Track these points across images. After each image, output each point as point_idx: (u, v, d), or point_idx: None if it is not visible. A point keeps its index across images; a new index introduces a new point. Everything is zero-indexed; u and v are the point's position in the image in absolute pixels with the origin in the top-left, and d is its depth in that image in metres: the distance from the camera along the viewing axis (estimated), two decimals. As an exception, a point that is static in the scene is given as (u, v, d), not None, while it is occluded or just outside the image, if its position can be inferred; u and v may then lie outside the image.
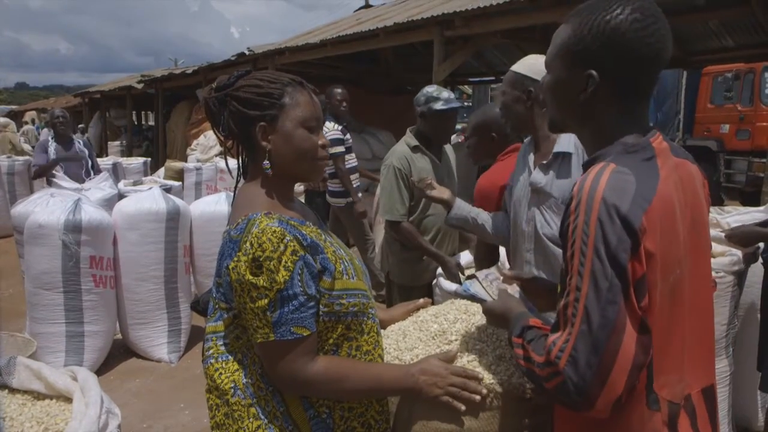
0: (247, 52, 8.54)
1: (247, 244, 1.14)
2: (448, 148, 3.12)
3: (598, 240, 0.94)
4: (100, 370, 3.66)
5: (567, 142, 1.92)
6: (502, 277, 1.46)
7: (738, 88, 10.73)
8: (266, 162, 1.25)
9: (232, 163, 1.41)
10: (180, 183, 6.21)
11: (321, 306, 1.21)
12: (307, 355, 1.19)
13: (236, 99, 1.25)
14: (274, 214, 1.20)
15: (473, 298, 1.43)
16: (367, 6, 11.44)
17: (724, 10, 6.03)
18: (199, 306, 1.50)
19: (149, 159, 9.04)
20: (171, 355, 3.83)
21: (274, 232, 1.15)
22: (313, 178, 1.35)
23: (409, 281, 3.04)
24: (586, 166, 1.09)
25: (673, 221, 1.00)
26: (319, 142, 1.29)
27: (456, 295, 2.71)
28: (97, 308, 3.56)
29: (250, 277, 1.13)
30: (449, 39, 5.96)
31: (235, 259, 1.16)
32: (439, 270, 2.98)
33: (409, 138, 2.95)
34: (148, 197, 3.76)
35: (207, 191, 7.07)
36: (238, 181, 1.37)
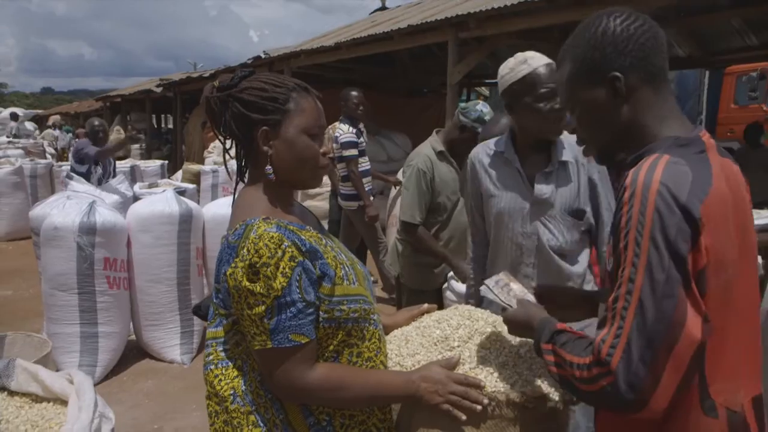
0: (263, 56, 8.58)
1: (244, 250, 1.13)
2: None
3: (655, 230, 0.91)
4: (114, 371, 3.70)
5: (569, 149, 1.89)
6: (511, 282, 1.43)
7: (763, 88, 10.51)
8: (268, 167, 1.24)
9: (230, 165, 1.40)
10: (194, 186, 6.26)
11: (321, 312, 1.19)
12: (306, 363, 1.17)
13: (239, 100, 1.23)
14: (273, 219, 1.19)
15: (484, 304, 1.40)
16: (383, 8, 11.43)
17: (748, 7, 5.90)
18: (200, 311, 1.50)
19: (167, 162, 9.12)
20: (184, 356, 3.85)
21: (272, 237, 1.13)
22: (313, 186, 1.33)
23: (419, 285, 3.02)
24: (632, 163, 1.06)
25: (726, 219, 0.96)
26: (321, 150, 1.28)
27: (469, 298, 2.68)
28: (110, 309, 3.59)
29: (247, 284, 1.12)
30: (463, 40, 5.92)
31: (233, 265, 1.15)
32: (451, 273, 2.96)
33: (435, 142, 2.91)
34: (161, 200, 3.79)
35: (223, 193, 7.12)
36: (237, 185, 1.36)
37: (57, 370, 2.28)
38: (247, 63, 8.77)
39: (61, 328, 3.50)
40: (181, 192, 4.25)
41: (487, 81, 12.26)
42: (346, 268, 1.26)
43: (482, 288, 1.42)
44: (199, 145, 10.78)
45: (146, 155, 14.22)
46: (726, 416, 0.99)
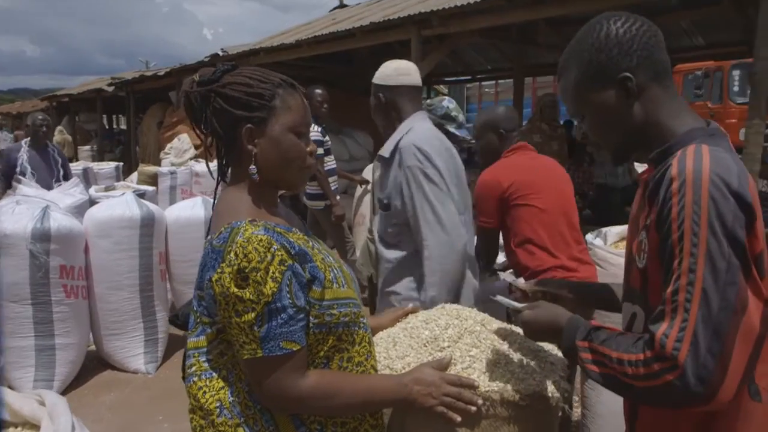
0: (220, 53, 8.39)
1: (231, 254, 1.07)
2: None
3: (713, 218, 0.90)
4: (73, 384, 3.53)
5: (389, 143, 2.06)
6: (510, 284, 1.42)
7: (708, 86, 10.96)
8: (252, 167, 1.17)
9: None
10: (154, 188, 6.05)
11: (311, 318, 1.14)
12: (298, 371, 1.12)
13: (222, 96, 1.16)
14: (259, 221, 1.13)
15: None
16: (342, 6, 11.35)
17: (696, 9, 6.12)
18: (178, 320, 1.42)
19: (121, 164, 8.82)
20: (148, 365, 3.71)
21: (260, 240, 1.07)
22: (298, 187, 1.28)
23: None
24: (659, 158, 1.06)
25: (759, 205, 0.97)
26: (308, 149, 1.22)
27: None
28: (68, 320, 3.42)
29: (236, 290, 1.06)
30: (426, 38, 5.92)
31: (219, 270, 1.08)
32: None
33: None
34: (120, 203, 3.63)
35: (182, 195, 6.92)
36: (218, 185, 1.29)
37: (9, 387, 2.13)
38: (204, 61, 8.57)
39: (14, 341, 3.31)
40: (140, 195, 4.10)
41: (446, 79, 12.34)
42: (335, 271, 1.21)
43: (498, 295, 1.40)
44: (155, 146, 10.46)
45: (98, 157, 13.72)
46: None
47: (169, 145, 9.00)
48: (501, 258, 3.05)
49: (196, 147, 8.89)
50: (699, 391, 0.88)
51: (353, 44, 6.83)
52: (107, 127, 19.17)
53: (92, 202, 4.51)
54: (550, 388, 1.30)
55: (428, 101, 2.92)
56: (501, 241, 2.58)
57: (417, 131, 2.06)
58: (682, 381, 0.89)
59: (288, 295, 1.09)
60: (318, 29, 7.71)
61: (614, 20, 1.09)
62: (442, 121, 2.80)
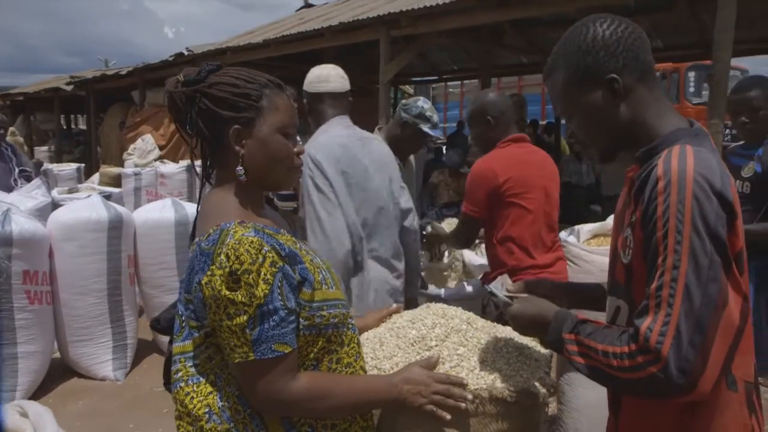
0: (185, 53, 8.24)
1: (222, 256, 1.05)
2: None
3: (696, 216, 0.93)
4: (37, 394, 3.40)
5: None
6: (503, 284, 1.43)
7: (665, 87, 11.30)
8: (240, 168, 1.16)
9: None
10: (120, 189, 5.90)
11: (301, 319, 1.13)
12: (289, 374, 1.11)
13: (208, 96, 1.14)
14: (249, 223, 1.11)
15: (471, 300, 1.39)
16: (308, 6, 11.28)
17: (654, 13, 6.31)
18: (159, 324, 1.38)
19: (83, 165, 8.57)
20: (117, 372, 3.61)
21: (252, 242, 1.06)
22: (286, 187, 1.27)
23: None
24: (644, 157, 1.09)
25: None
26: (295, 149, 1.21)
27: (421, 295, 2.69)
28: (32, 327, 3.30)
29: (227, 293, 1.04)
30: (394, 39, 5.94)
31: (209, 273, 1.06)
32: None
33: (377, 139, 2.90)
34: (86, 205, 3.52)
35: (147, 197, 6.76)
36: (203, 187, 1.27)
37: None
38: (168, 60, 8.40)
39: (-26, 350, 3.18)
40: (106, 197, 3.98)
41: (413, 79, 12.40)
42: (323, 272, 1.21)
43: (491, 285, 1.41)
44: (117, 147, 10.19)
45: (55, 158, 13.27)
46: (744, 388, 1.05)
47: (132, 146, 8.80)
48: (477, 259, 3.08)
49: (161, 148, 8.71)
50: (681, 383, 0.92)
51: (322, 44, 6.81)
52: (65, 127, 18.57)
53: (55, 204, 4.36)
54: (537, 384, 1.32)
55: (403, 101, 2.92)
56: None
57: (320, 138, 2.16)
58: (665, 373, 0.92)
59: (279, 297, 1.08)
60: (285, 29, 7.64)
61: (600, 23, 1.11)
62: (416, 120, 2.80)
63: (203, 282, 1.07)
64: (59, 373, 3.66)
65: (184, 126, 1.19)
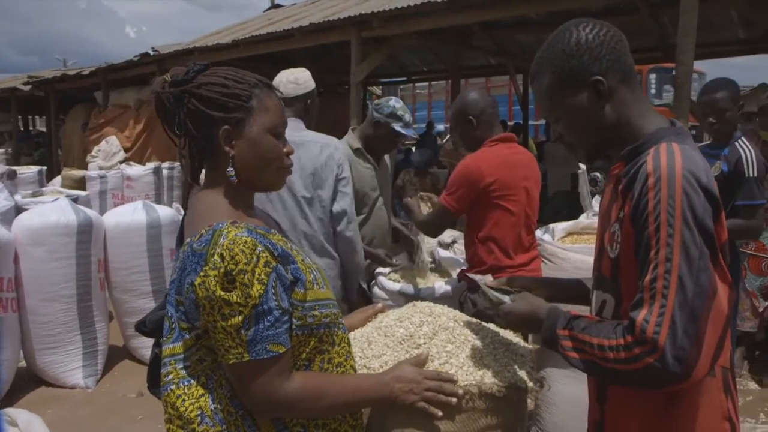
0: (151, 53, 8.08)
1: (216, 257, 1.05)
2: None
3: (686, 210, 0.97)
4: (3, 404, 3.26)
5: None
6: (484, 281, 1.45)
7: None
8: (230, 169, 1.15)
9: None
10: (87, 192, 5.75)
11: (294, 319, 1.13)
12: (284, 374, 1.11)
13: (197, 97, 1.13)
14: (241, 223, 1.11)
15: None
16: (276, 6, 11.19)
17: (616, 16, 6.47)
18: (145, 327, 1.36)
19: (45, 168, 8.31)
20: (87, 379, 3.52)
21: (246, 242, 1.06)
22: (276, 188, 1.26)
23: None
24: (630, 155, 1.13)
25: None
26: (285, 150, 1.21)
27: (400, 293, 2.70)
28: (-3, 335, 3.20)
29: (222, 293, 1.04)
30: (364, 40, 5.95)
31: (202, 274, 1.05)
32: (378, 269, 2.96)
33: (351, 139, 2.90)
34: (54, 209, 3.43)
35: (113, 200, 6.61)
36: (190, 188, 1.26)
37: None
38: (133, 60, 8.22)
39: (-64, 360, 3.06)
40: (73, 200, 3.88)
41: (382, 80, 12.43)
42: (314, 272, 1.21)
43: (482, 284, 1.43)
44: (80, 149, 9.92)
45: (13, 161, 12.82)
46: (721, 374, 1.10)
47: (96, 148, 8.58)
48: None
49: (126, 150, 8.52)
50: (677, 371, 0.95)
51: (292, 45, 6.77)
52: (23, 128, 17.98)
53: (19, 208, 4.22)
54: (524, 379, 1.35)
55: (375, 101, 2.94)
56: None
57: None
58: (662, 362, 0.95)
59: (274, 297, 1.08)
60: (254, 29, 7.57)
61: (583, 27, 1.14)
62: (388, 120, 2.80)
63: (196, 283, 1.06)
64: (25, 382, 3.55)
65: (171, 127, 1.18)
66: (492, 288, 1.40)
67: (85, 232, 3.43)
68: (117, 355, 3.90)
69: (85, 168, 8.41)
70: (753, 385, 3.50)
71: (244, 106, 1.15)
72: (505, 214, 2.41)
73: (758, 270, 3.57)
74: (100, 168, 7.89)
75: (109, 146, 8.35)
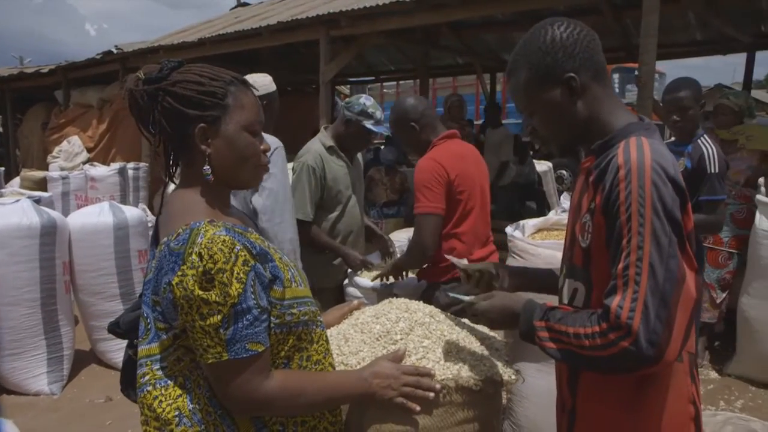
0: (114, 51, 7.88)
1: (194, 256, 1.04)
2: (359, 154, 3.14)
3: (655, 201, 1.01)
4: (-36, 413, 3.19)
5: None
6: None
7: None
8: (207, 167, 1.14)
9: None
10: (50, 194, 5.58)
11: (272, 318, 1.13)
12: (263, 373, 1.11)
13: (172, 95, 1.12)
14: (218, 222, 1.10)
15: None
16: (243, 4, 11.04)
17: (580, 17, 6.61)
18: (119, 328, 1.34)
19: (2, 169, 8.03)
20: (52, 386, 3.43)
21: (224, 241, 1.05)
22: (253, 185, 1.26)
23: (318, 283, 2.97)
24: (600, 149, 1.17)
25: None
26: (261, 147, 1.21)
27: (374, 290, 2.71)
28: (-43, 342, 3.09)
29: (200, 292, 1.03)
30: (333, 39, 5.93)
31: (179, 273, 1.04)
32: (350, 270, 2.96)
33: (324, 137, 2.90)
34: (15, 211, 3.32)
35: (77, 202, 6.44)
36: (165, 187, 1.24)
37: None
38: (95, 59, 8.02)
39: None
40: (35, 201, 3.76)
41: (350, 79, 12.41)
42: (292, 270, 1.21)
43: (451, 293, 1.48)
44: (40, 149, 9.61)
45: (-33, 162, 12.36)
46: (687, 359, 1.15)
47: (57, 148, 8.33)
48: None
49: (89, 150, 8.30)
50: (650, 354, 0.99)
51: (259, 44, 6.69)
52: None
53: (-23, 211, 4.08)
54: (499, 372, 1.38)
55: (346, 100, 2.94)
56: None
57: None
58: (636, 346, 0.99)
59: (252, 296, 1.08)
60: (221, 28, 7.47)
61: (557, 25, 1.18)
62: (359, 118, 2.81)
63: (174, 282, 1.05)
64: (-14, 390, 3.44)
65: (146, 125, 1.17)
66: (457, 288, 1.45)
67: (49, 234, 3.34)
68: (84, 359, 3.80)
69: (46, 169, 8.16)
70: (714, 374, 3.63)
71: (219, 103, 1.15)
72: (466, 209, 2.44)
73: (716, 263, 3.70)
74: (62, 169, 7.67)
75: (71, 146, 8.12)
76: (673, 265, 1.01)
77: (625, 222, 1.03)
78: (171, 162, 1.22)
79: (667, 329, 0.99)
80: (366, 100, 2.84)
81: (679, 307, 1.01)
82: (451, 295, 1.46)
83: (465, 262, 1.56)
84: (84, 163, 7.84)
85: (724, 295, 3.74)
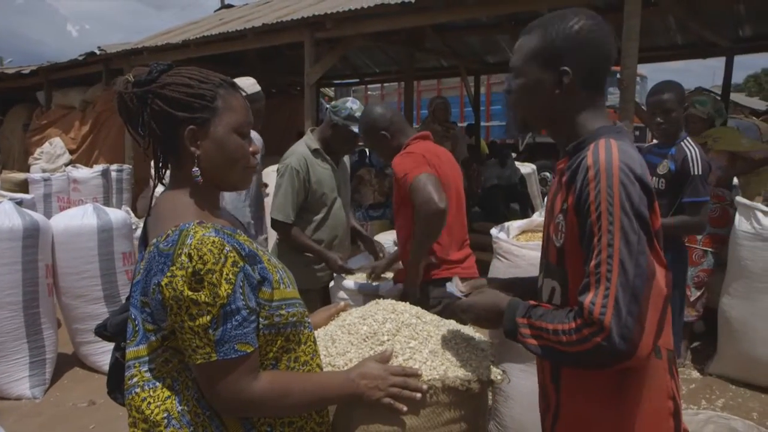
0: (98, 52, 7.81)
1: (183, 257, 1.04)
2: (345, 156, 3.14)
3: (624, 199, 1.04)
4: (-58, 419, 3.14)
5: None
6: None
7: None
8: (196, 169, 1.15)
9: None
10: (32, 196, 5.51)
11: (261, 319, 1.14)
12: (252, 374, 1.11)
13: (161, 97, 1.13)
14: (208, 223, 1.11)
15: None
16: (227, 6, 11.00)
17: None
18: (107, 330, 1.33)
19: (-15, 171, 7.93)
20: (34, 390, 3.38)
21: (214, 242, 1.06)
22: (242, 187, 1.27)
23: (303, 284, 2.96)
24: (574, 150, 1.19)
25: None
26: (251, 149, 1.22)
27: (359, 291, 2.71)
28: (-64, 346, 3.04)
29: (189, 293, 1.04)
30: (317, 41, 5.94)
31: (169, 274, 1.05)
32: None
33: (310, 140, 2.90)
34: (-3, 213, 3.28)
35: (59, 204, 6.36)
36: (154, 188, 1.25)
37: None
38: (78, 60, 7.94)
39: None
40: (18, 203, 3.72)
41: (334, 82, 12.42)
42: (280, 272, 1.22)
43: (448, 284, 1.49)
44: (21, 151, 9.49)
45: (-54, 164, 12.14)
46: (666, 356, 1.18)
47: (39, 150, 8.23)
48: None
49: (71, 152, 8.21)
50: (623, 349, 1.01)
51: (244, 45, 6.68)
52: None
53: (-43, 213, 4.01)
54: (485, 372, 1.40)
55: (333, 103, 2.95)
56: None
57: None
58: (608, 341, 1.02)
59: (242, 297, 1.08)
60: (205, 29, 7.43)
61: (589, 19, 1.19)
62: (346, 122, 2.82)
63: (163, 283, 1.05)
64: (-35, 394, 3.38)
65: (135, 127, 1.17)
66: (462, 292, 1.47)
67: (32, 236, 3.30)
68: (66, 363, 3.76)
69: (27, 171, 8.05)
70: (695, 374, 3.69)
71: (209, 106, 1.15)
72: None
73: (690, 260, 3.76)
74: (44, 170, 7.57)
75: (53, 148, 8.02)
76: (643, 261, 1.03)
77: (596, 221, 1.06)
78: (160, 164, 1.23)
79: (638, 324, 1.02)
80: (352, 104, 2.85)
81: (651, 303, 1.03)
82: (448, 290, 1.48)
83: (462, 288, 1.56)
84: (66, 164, 7.75)
85: (698, 293, 3.78)
